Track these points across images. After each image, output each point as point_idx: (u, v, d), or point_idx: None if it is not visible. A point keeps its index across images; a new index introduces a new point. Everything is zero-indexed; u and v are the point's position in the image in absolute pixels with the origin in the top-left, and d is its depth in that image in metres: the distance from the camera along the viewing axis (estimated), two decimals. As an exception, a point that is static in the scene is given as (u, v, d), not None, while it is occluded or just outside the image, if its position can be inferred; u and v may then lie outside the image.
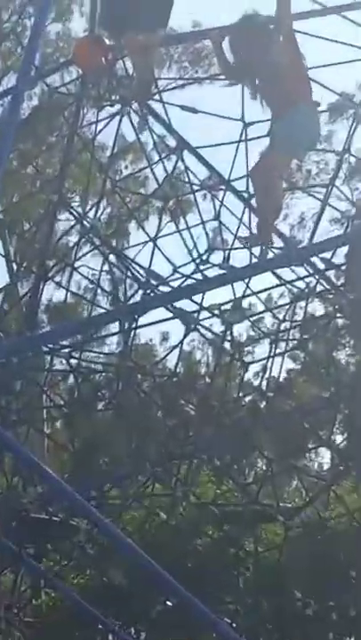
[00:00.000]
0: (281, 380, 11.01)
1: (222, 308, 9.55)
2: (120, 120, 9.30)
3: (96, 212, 10.55)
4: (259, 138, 8.13)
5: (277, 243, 9.00)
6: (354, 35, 8.24)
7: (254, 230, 8.30)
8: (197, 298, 9.18)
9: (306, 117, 7.31)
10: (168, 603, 9.95)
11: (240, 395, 10.47)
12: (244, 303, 10.13)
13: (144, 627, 10.92)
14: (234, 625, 10.33)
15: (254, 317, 11.66)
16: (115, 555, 9.57)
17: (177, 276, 9.31)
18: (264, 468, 11.20)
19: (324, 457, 13.87)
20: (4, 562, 10.87)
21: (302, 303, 10.17)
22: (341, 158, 9.96)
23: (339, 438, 10.83)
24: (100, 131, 9.73)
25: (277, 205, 7.89)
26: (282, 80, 6.85)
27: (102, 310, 11.42)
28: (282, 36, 7.05)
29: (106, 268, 10.29)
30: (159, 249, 9.44)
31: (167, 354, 12.45)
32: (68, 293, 11.55)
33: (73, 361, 10.16)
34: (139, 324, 9.98)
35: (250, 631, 11.24)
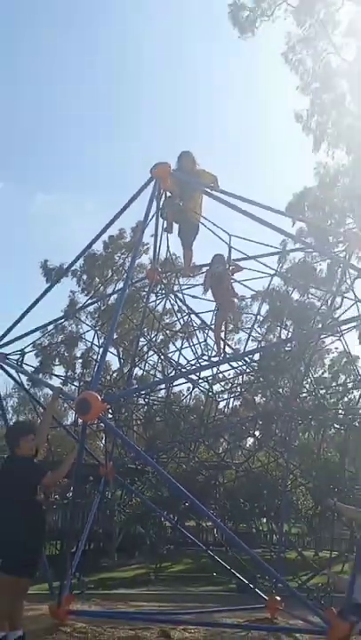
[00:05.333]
0: (238, 408, 18.59)
1: (208, 378, 15.67)
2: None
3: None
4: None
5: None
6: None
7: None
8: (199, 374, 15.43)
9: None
10: (186, 504, 16.34)
11: (217, 415, 16.77)
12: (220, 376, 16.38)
13: (176, 514, 19.26)
14: (214, 514, 17.15)
15: (223, 382, 17.88)
16: (163, 483, 16.76)
17: (188, 366, 14.60)
18: (227, 444, 17.61)
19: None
20: (112, 486, 17.28)
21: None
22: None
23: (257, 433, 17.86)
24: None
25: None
26: (225, 291, 13.76)
27: (157, 379, 17.28)
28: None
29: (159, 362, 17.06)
30: (182, 355, 15.06)
31: (185, 397, 18.59)
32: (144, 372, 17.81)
33: (146, 400, 16.57)
34: (174, 384, 17.04)
35: (221, 518, 19.79)
